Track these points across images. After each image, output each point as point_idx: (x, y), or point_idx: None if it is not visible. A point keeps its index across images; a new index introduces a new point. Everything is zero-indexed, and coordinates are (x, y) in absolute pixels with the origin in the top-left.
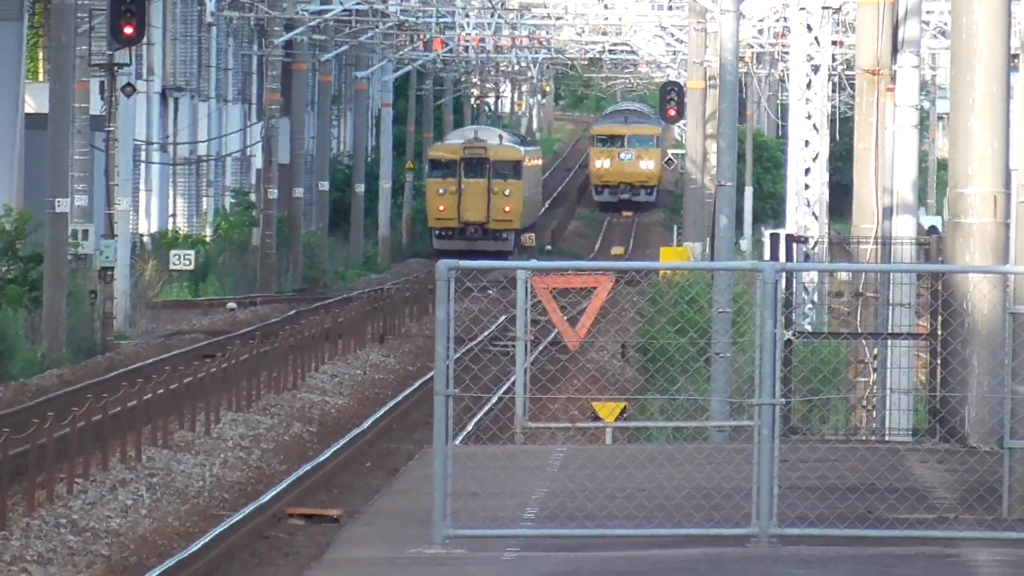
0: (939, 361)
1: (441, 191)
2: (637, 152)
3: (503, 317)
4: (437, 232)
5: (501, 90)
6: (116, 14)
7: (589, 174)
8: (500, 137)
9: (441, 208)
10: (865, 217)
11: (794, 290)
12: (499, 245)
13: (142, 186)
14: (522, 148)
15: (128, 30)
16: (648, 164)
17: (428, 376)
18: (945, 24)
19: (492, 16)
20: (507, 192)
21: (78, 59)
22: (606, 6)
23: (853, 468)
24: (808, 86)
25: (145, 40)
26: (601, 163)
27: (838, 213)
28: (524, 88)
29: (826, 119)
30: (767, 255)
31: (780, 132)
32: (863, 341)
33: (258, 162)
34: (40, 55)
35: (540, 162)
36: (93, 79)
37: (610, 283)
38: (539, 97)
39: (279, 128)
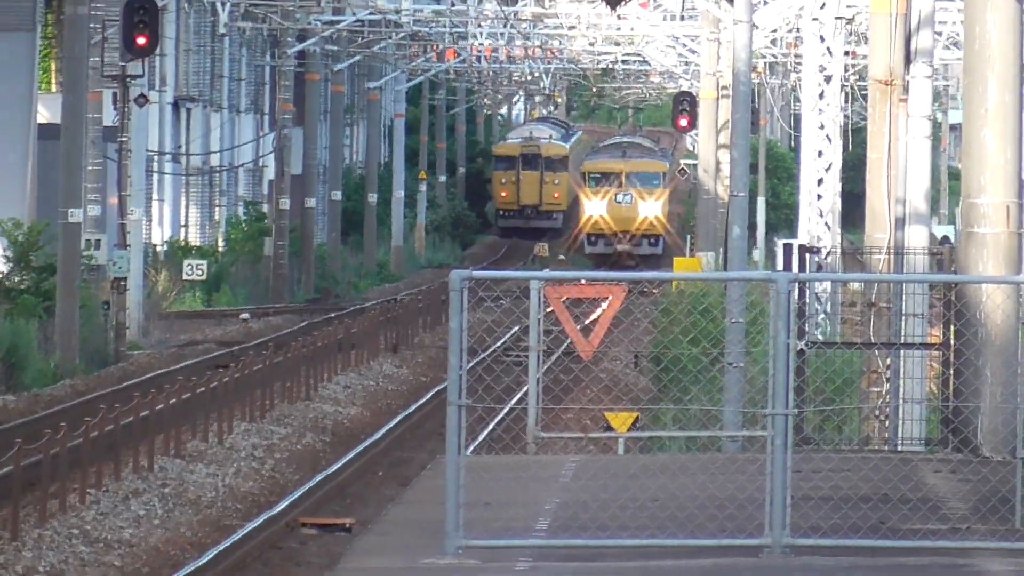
0: (952, 371)
1: (504, 180)
2: (638, 193)
3: (516, 327)
4: (500, 213)
5: (514, 100)
6: (129, 25)
7: (579, 220)
8: (550, 136)
9: (504, 194)
10: (878, 227)
11: (807, 300)
12: (550, 223)
13: (155, 196)
14: (567, 144)
15: (141, 41)
16: (652, 208)
17: (441, 386)
18: (958, 35)
19: (505, 26)
20: (556, 182)
21: (91, 70)
22: (619, 16)
23: (866, 478)
24: (821, 96)
25: (158, 51)
26: (594, 207)
27: (850, 223)
28: (537, 98)
29: (839, 129)
30: (780, 265)
31: (793, 142)
32: (876, 351)
33: (270, 172)
34: (53, 66)
35: (583, 142)
36: (106, 90)
37: (623, 293)
38: (551, 108)
39: (292, 138)
